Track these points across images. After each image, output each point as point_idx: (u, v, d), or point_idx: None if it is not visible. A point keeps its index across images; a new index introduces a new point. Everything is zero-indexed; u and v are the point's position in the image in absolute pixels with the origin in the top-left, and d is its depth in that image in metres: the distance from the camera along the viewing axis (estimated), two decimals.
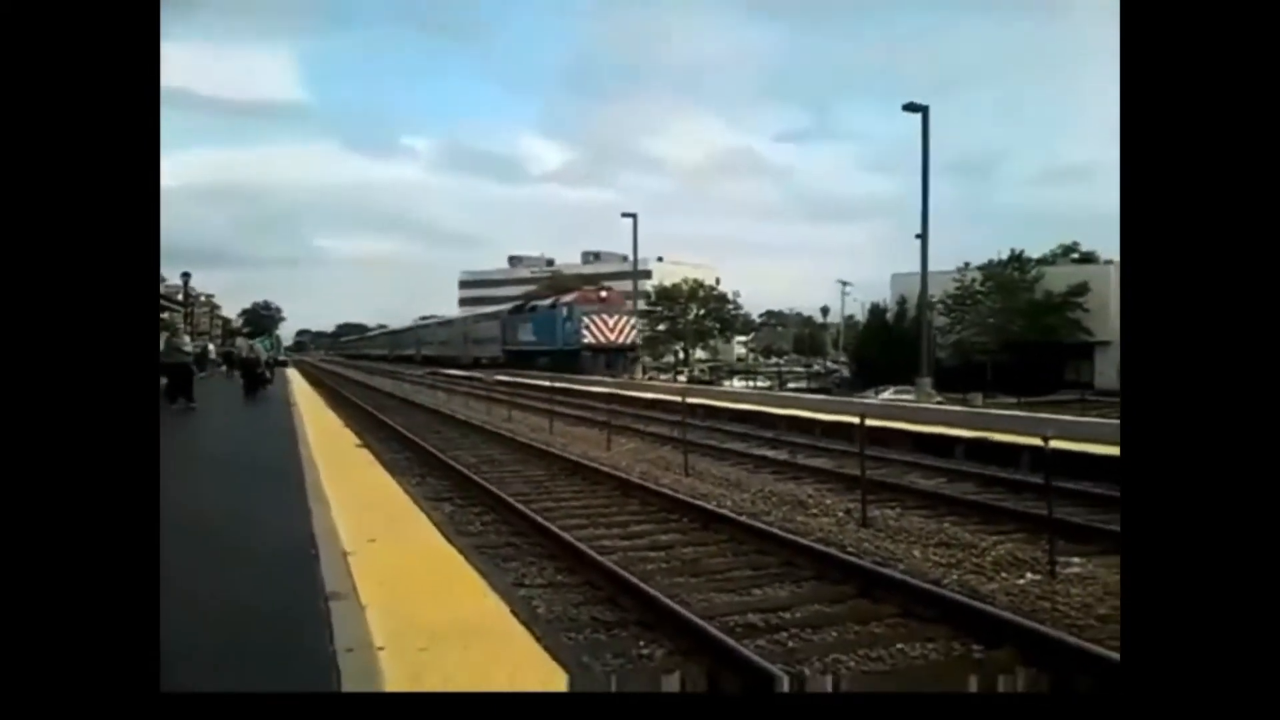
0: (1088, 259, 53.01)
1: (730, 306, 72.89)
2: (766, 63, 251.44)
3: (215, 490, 7.85)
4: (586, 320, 38.73)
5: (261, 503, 7.17)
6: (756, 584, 5.80)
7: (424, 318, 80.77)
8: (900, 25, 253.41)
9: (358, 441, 11.92)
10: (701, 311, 68.91)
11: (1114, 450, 9.45)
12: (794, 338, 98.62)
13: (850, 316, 67.49)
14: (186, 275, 44.53)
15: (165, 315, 32.35)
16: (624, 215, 43.52)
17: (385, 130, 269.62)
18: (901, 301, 46.09)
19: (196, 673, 3.05)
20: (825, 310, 67.68)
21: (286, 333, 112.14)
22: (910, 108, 23.29)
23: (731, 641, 4.30)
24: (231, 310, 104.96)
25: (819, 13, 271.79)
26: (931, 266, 25.16)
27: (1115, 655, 3.84)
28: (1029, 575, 5.86)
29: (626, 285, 47.69)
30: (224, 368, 34.04)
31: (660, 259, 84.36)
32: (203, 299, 70.75)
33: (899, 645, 4.57)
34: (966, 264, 49.35)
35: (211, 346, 44.66)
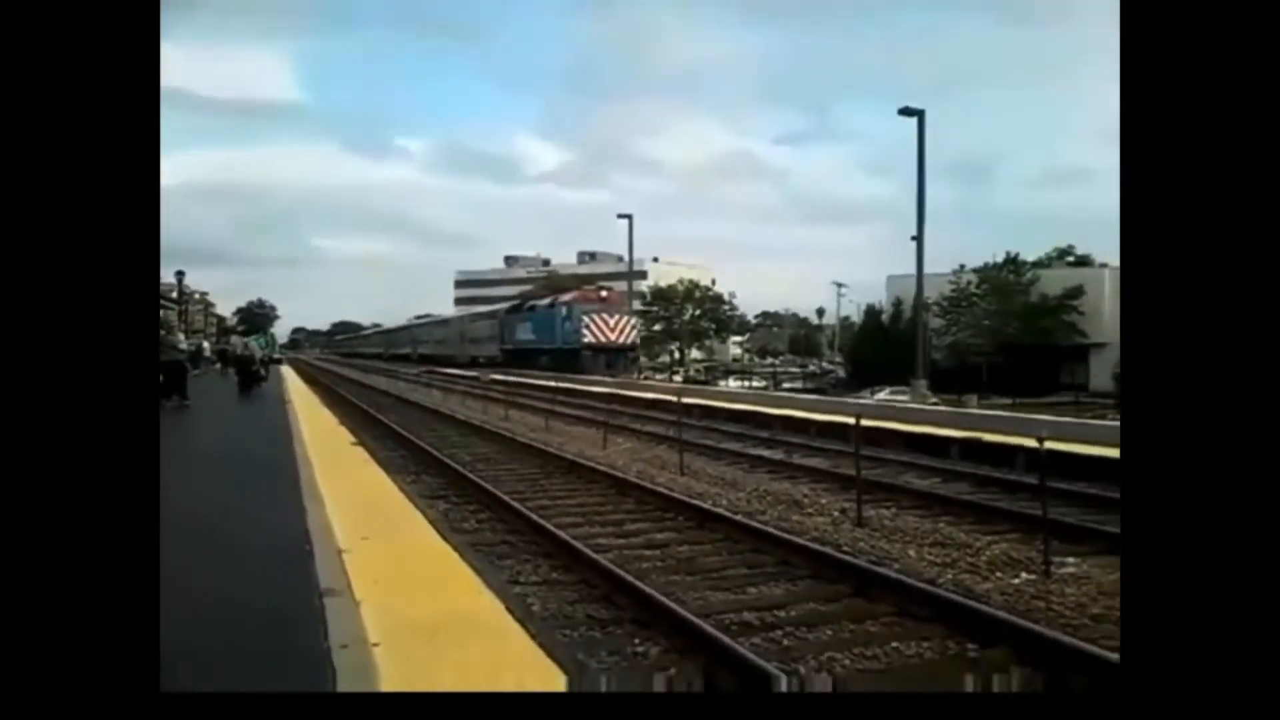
0: (1083, 262, 53.18)
1: (726, 307, 73.00)
2: (765, 64, 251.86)
3: (210, 488, 7.83)
4: (586, 319, 38.39)
5: (256, 500, 7.15)
6: (752, 582, 5.80)
7: (419, 316, 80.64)
8: (900, 26, 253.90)
9: (353, 439, 11.91)
10: (697, 312, 68.99)
11: (1108, 451, 9.48)
12: (789, 338, 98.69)
13: (846, 318, 67.60)
14: (180, 273, 44.47)
15: (160, 313, 32.25)
16: (620, 216, 43.75)
17: (383, 130, 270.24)
18: (897, 303, 46.16)
19: (193, 669, 3.05)
20: (821, 311, 67.83)
21: (282, 331, 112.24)
22: (906, 112, 23.37)
23: (727, 639, 4.31)
24: (226, 308, 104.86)
25: (818, 14, 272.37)
26: (929, 269, 25.23)
27: (1110, 655, 3.85)
28: (1024, 575, 5.88)
29: (622, 285, 47.68)
30: (219, 365, 33.96)
31: (656, 259, 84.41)
32: (197, 296, 70.57)
33: (894, 644, 4.58)
34: (962, 266, 49.53)
35: (206, 344, 44.57)
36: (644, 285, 64.83)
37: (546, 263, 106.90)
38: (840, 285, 69.38)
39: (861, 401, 24.77)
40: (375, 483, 8.14)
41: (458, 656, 3.37)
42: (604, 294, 41.92)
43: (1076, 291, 45.42)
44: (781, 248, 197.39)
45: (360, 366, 55.93)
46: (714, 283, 74.87)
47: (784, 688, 3.58)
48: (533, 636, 3.61)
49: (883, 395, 32.05)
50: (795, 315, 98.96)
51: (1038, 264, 50.28)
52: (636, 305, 51.76)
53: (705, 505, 8.09)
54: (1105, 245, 53.20)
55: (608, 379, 30.50)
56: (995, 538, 6.99)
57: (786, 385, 49.50)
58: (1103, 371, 41.99)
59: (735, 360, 79.54)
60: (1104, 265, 48.21)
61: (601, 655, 4.43)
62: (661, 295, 67.11)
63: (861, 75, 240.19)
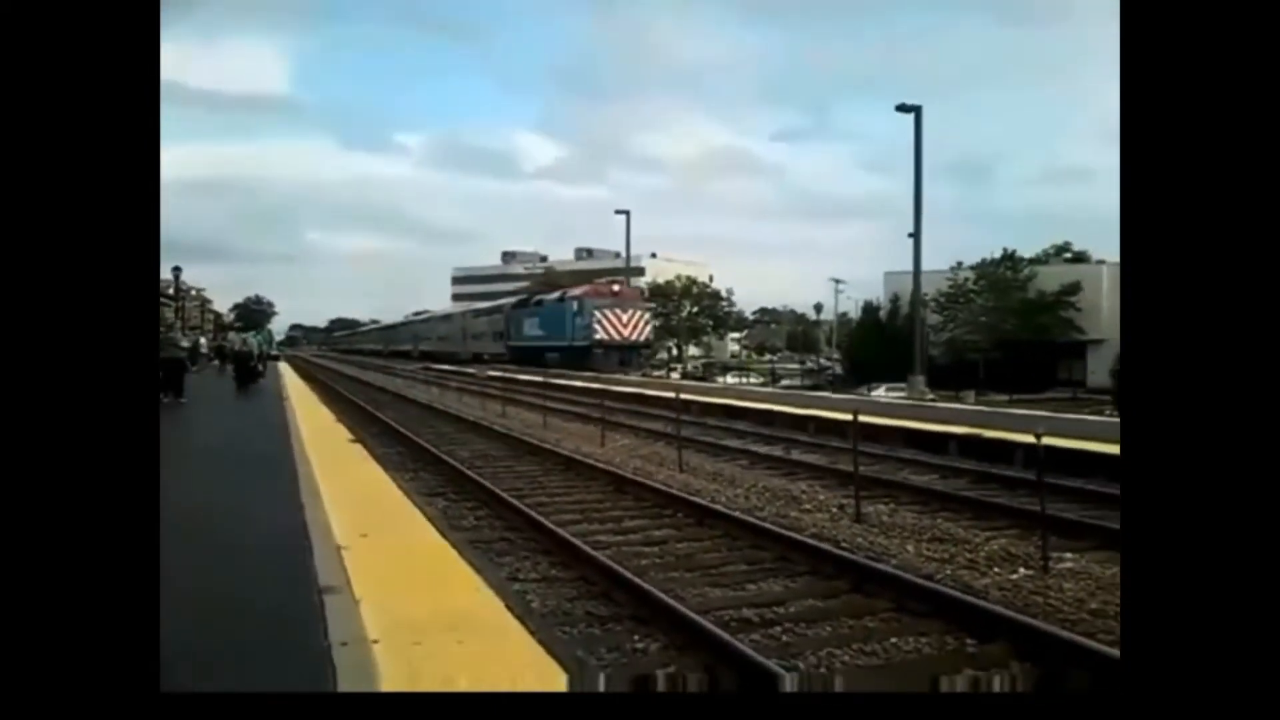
0: (1080, 259, 53.29)
1: (723, 303, 73.06)
2: (764, 63, 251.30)
3: (209, 485, 7.82)
4: (599, 315, 36.60)
5: (255, 497, 7.15)
6: (751, 579, 5.81)
7: (419, 312, 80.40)
8: (900, 26, 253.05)
9: (350, 436, 11.90)
10: (695, 308, 69.04)
11: (1105, 447, 9.50)
12: (787, 335, 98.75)
13: (844, 314, 67.67)
14: (177, 270, 44.41)
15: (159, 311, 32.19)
16: (617, 212, 43.60)
17: (381, 126, 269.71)
18: (895, 299, 46.19)
19: (193, 669, 3.05)
20: (819, 308, 67.78)
21: (279, 327, 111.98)
22: (903, 108, 23.41)
23: (726, 636, 4.32)
24: (224, 305, 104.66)
25: (818, 13, 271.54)
26: (927, 266, 25.31)
27: (1109, 650, 3.86)
28: (1022, 570, 5.89)
29: None
30: (216, 362, 33.91)
31: (654, 255, 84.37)
32: (194, 293, 70.43)
33: (893, 639, 4.58)
34: (959, 263, 49.58)
35: (203, 340, 44.50)
36: (642, 281, 64.74)
37: (544, 259, 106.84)
38: (838, 282, 69.53)
39: (859, 398, 24.79)
40: (373, 480, 8.13)
41: (457, 653, 3.37)
42: (616, 288, 39.96)
43: (1074, 288, 45.51)
44: (779, 244, 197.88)
45: (358, 364, 55.82)
46: (712, 279, 74.92)
47: (785, 685, 3.59)
48: (532, 633, 3.61)
49: (880, 392, 32.09)
50: (793, 312, 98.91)
51: (1035, 260, 50.37)
52: None
53: (704, 502, 8.09)
54: (1106, 243, 53.39)
55: (630, 378, 29.44)
56: (993, 533, 7.00)
57: (784, 382, 49.50)
58: (1100, 367, 42.06)
59: (733, 356, 79.58)
60: (1101, 262, 48.33)
61: (601, 652, 4.44)
62: (659, 292, 67.09)
63: (861, 74, 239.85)
